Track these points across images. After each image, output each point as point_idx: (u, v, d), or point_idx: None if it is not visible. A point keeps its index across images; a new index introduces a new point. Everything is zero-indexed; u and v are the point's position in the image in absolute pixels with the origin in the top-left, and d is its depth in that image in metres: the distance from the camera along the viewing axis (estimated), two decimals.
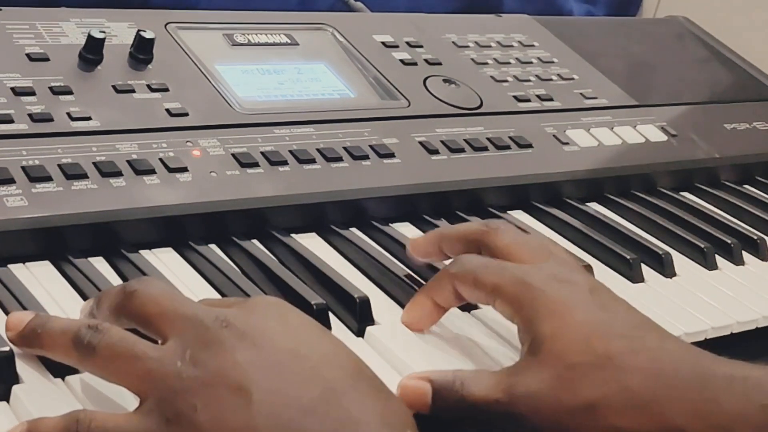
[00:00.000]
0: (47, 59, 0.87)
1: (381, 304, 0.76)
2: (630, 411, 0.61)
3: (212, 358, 0.54)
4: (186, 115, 0.86)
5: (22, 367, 0.60)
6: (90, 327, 0.56)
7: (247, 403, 0.52)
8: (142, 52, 0.90)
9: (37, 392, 0.59)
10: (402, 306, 0.75)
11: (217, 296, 0.74)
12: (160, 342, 0.57)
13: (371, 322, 0.73)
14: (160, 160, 0.81)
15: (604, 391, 0.61)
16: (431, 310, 0.71)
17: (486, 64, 1.09)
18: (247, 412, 0.52)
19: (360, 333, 0.72)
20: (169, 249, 0.78)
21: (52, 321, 0.59)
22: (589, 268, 0.82)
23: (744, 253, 0.94)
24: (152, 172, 0.79)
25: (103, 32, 0.88)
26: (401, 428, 0.55)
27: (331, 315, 0.72)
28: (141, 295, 0.58)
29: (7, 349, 0.60)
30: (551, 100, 1.06)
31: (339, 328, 0.72)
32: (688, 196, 1.04)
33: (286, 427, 0.52)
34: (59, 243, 0.74)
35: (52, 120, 0.81)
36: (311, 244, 0.82)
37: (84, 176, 0.77)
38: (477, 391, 0.63)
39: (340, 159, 0.88)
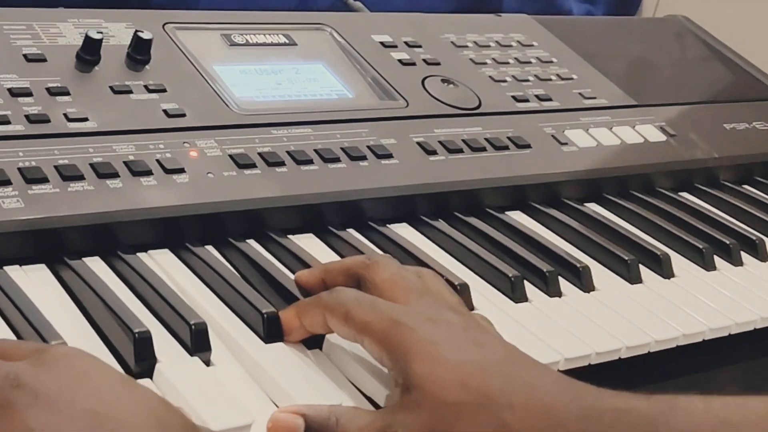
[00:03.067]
0: (44, 60, 0.86)
1: None
2: None
3: (6, 425, 0.49)
4: (183, 115, 0.86)
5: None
6: None
7: None
8: (139, 52, 0.90)
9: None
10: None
11: (215, 298, 0.74)
12: None
13: None
14: (157, 161, 0.81)
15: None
16: (297, 330, 0.69)
17: (485, 64, 1.09)
18: None
19: None
20: (166, 250, 0.78)
21: None
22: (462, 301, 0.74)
23: (743, 253, 0.94)
24: (149, 173, 0.79)
25: (101, 33, 0.88)
26: None
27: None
28: None
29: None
30: (550, 100, 1.06)
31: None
32: (687, 197, 1.04)
33: None
34: (55, 245, 0.74)
35: (48, 121, 0.81)
36: (308, 245, 0.82)
37: (81, 177, 0.77)
38: (352, 430, 0.61)
39: (337, 160, 0.88)
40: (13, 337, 0.65)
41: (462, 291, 0.77)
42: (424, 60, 1.05)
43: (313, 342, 0.70)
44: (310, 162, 0.86)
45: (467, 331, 0.65)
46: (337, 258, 0.81)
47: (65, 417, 0.50)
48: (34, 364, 0.53)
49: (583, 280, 0.84)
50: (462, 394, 0.60)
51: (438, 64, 1.05)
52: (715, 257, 0.92)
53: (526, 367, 0.63)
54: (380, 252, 0.83)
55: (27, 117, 0.81)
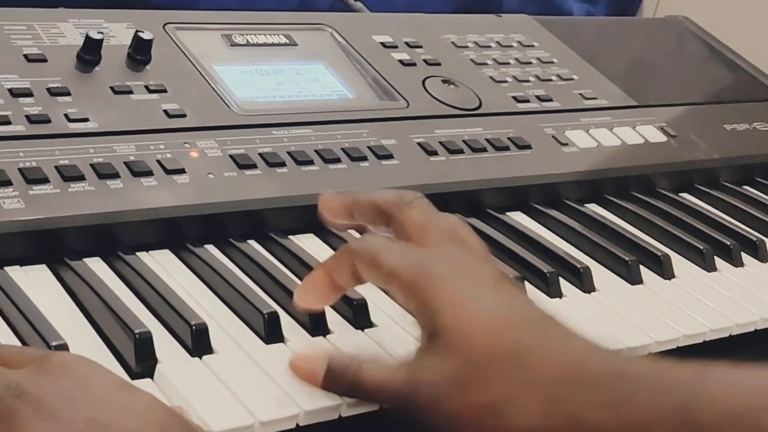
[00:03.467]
0: (45, 60, 0.86)
1: (379, 306, 0.75)
2: (539, 407, 0.56)
3: None
4: (184, 116, 0.86)
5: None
6: None
7: None
8: (140, 52, 0.90)
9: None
10: (401, 307, 0.75)
11: (215, 299, 0.74)
12: None
13: (369, 325, 0.73)
14: (158, 161, 0.81)
15: (511, 387, 0.57)
16: (328, 289, 0.66)
17: (485, 64, 1.09)
18: None
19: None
20: (167, 251, 0.78)
21: None
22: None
23: (743, 254, 0.94)
24: (150, 173, 0.79)
25: (101, 33, 0.88)
26: None
27: (328, 315, 0.72)
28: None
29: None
30: (550, 100, 1.06)
31: (338, 328, 0.72)
32: (688, 197, 1.04)
33: None
34: (56, 245, 0.74)
35: (49, 121, 0.81)
36: (309, 245, 0.82)
37: (81, 178, 0.77)
38: (375, 377, 0.60)
39: (338, 160, 0.88)
40: (13, 337, 0.65)
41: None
42: (425, 60, 1.05)
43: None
44: (311, 162, 0.86)
45: (499, 283, 0.62)
46: None
47: (67, 426, 0.50)
48: (35, 373, 0.53)
49: (583, 281, 0.84)
50: (490, 348, 0.58)
51: (438, 64, 1.05)
52: (716, 258, 0.92)
53: (558, 325, 0.61)
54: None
55: (27, 117, 0.81)
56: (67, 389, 0.52)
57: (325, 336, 0.70)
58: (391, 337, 0.71)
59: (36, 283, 0.71)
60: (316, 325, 0.71)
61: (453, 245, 0.65)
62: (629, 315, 0.79)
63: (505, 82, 1.07)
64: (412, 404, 0.59)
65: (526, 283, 0.81)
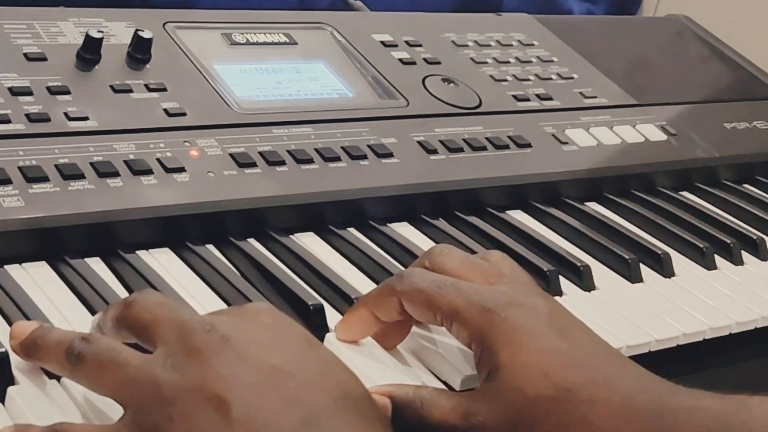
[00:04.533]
0: (45, 59, 0.86)
1: None
2: None
3: (193, 366, 0.52)
4: (184, 114, 0.86)
5: (17, 368, 0.60)
6: (83, 338, 0.55)
7: (225, 419, 0.50)
8: (140, 51, 0.90)
9: (32, 394, 0.59)
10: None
11: (215, 297, 0.74)
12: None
13: None
14: (158, 160, 0.81)
15: (562, 426, 0.59)
16: (370, 324, 0.68)
17: (485, 63, 1.09)
18: (223, 427, 0.50)
19: None
20: (167, 249, 0.78)
21: (51, 333, 0.58)
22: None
23: (743, 252, 0.94)
24: (150, 172, 0.79)
25: (101, 32, 0.88)
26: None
27: (328, 315, 0.72)
28: (137, 304, 0.57)
29: (2, 350, 0.60)
30: (550, 99, 1.06)
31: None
32: (688, 196, 1.04)
33: None
34: (56, 244, 0.74)
35: (49, 120, 0.81)
36: (309, 244, 0.82)
37: (81, 176, 0.77)
38: (436, 414, 0.62)
39: (338, 159, 0.88)
40: None
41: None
42: (425, 59, 1.05)
43: None
44: (311, 161, 0.86)
45: (552, 317, 0.64)
46: (338, 256, 0.81)
47: (250, 366, 0.52)
48: (228, 316, 0.56)
49: (583, 279, 0.84)
50: (543, 386, 0.60)
51: (438, 63, 1.05)
52: (716, 256, 0.92)
53: (608, 358, 0.63)
54: (382, 251, 0.83)
55: (27, 116, 0.81)
56: (254, 334, 0.54)
57: (325, 335, 0.70)
58: None
59: (36, 281, 0.71)
60: (316, 324, 0.71)
61: (501, 281, 0.66)
62: (629, 313, 0.79)
63: (505, 80, 1.07)
64: None
65: None
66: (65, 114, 0.82)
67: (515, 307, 0.63)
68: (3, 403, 0.59)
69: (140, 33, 0.90)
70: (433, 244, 0.86)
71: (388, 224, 0.87)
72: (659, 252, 0.89)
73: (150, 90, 0.87)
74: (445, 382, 0.66)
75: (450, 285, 0.65)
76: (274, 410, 0.51)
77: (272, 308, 0.58)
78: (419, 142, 0.93)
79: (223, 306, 0.72)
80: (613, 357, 0.64)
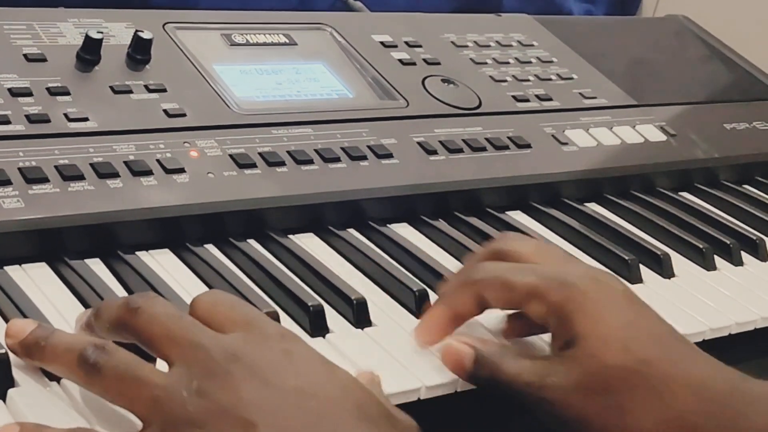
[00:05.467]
0: (44, 60, 0.86)
1: (378, 305, 0.75)
2: (661, 418, 0.62)
3: (220, 392, 0.53)
4: (184, 115, 0.86)
5: (18, 370, 0.60)
6: (97, 347, 0.55)
7: None
8: (139, 52, 0.90)
9: (32, 396, 0.59)
10: (401, 306, 0.76)
11: None
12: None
13: (368, 323, 0.73)
14: (158, 161, 0.81)
15: (637, 395, 0.63)
16: (449, 322, 0.70)
17: (485, 63, 1.09)
18: None
19: None
20: (166, 250, 0.78)
21: (56, 335, 0.58)
22: None
23: (743, 253, 0.94)
24: (149, 173, 0.79)
25: (101, 33, 0.88)
26: None
27: (328, 316, 0.72)
28: (145, 313, 0.57)
29: (3, 352, 0.60)
30: (550, 99, 1.06)
31: (337, 329, 0.72)
32: (687, 197, 1.04)
33: None
34: (56, 244, 0.74)
35: (49, 121, 0.81)
36: (309, 244, 0.82)
37: (81, 177, 0.77)
38: (513, 369, 0.65)
39: (338, 159, 0.88)
40: None
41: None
42: (425, 60, 1.05)
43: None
44: (311, 162, 0.86)
45: (628, 298, 0.68)
46: (338, 257, 0.82)
47: (275, 391, 0.53)
48: (245, 342, 0.56)
49: None
50: (622, 357, 0.63)
51: (438, 63, 1.05)
52: (716, 257, 0.92)
53: (683, 342, 0.67)
54: (382, 252, 0.83)
55: (27, 117, 0.81)
56: (274, 359, 0.55)
57: (324, 336, 0.70)
58: (391, 336, 0.71)
59: (36, 282, 0.71)
60: (316, 324, 0.71)
61: (574, 262, 0.72)
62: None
63: (505, 81, 1.07)
64: (539, 401, 0.64)
65: None
66: (65, 115, 0.82)
67: (593, 282, 0.67)
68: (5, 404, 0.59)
69: (140, 34, 0.90)
70: (433, 245, 0.86)
71: (387, 225, 0.87)
72: (659, 253, 0.89)
73: (150, 91, 0.87)
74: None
75: (526, 267, 0.69)
76: (298, 429, 0.52)
77: (288, 332, 0.59)
78: (419, 143, 0.93)
79: None
80: (683, 340, 0.67)
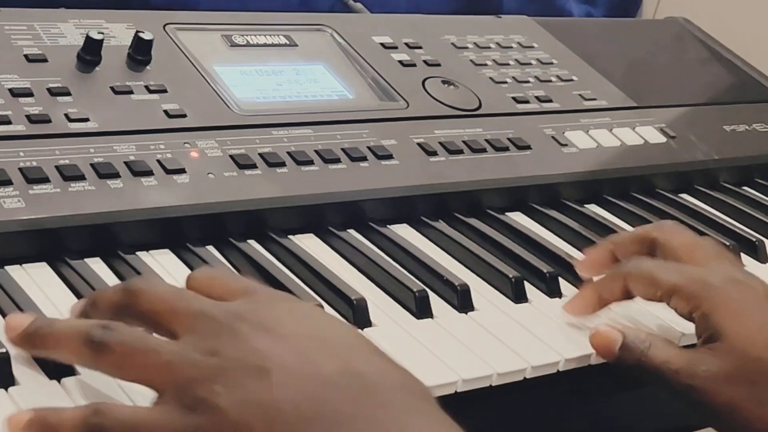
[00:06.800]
0: (45, 60, 0.87)
1: (378, 305, 0.75)
2: None
3: (229, 347, 0.54)
4: (184, 116, 0.86)
5: (18, 369, 0.60)
6: (101, 326, 0.56)
7: (268, 382, 0.52)
8: (140, 53, 0.90)
9: (32, 394, 0.59)
10: (401, 307, 0.76)
11: None
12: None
13: (368, 324, 0.73)
14: (158, 161, 0.81)
15: None
16: (595, 304, 0.76)
17: (485, 65, 1.09)
18: (268, 390, 0.52)
19: None
20: (167, 251, 0.78)
21: (57, 322, 0.59)
22: None
23: (743, 255, 0.94)
24: (150, 173, 0.79)
25: (102, 33, 0.88)
26: (420, 395, 0.55)
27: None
28: (146, 293, 0.58)
29: (3, 351, 0.60)
30: (550, 101, 1.06)
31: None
32: (687, 198, 1.04)
33: (310, 398, 0.52)
34: (56, 244, 0.74)
35: (49, 121, 0.81)
36: (309, 245, 0.82)
37: (81, 178, 0.77)
38: (661, 356, 0.70)
39: (338, 160, 0.88)
40: None
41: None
42: (425, 61, 1.05)
43: None
44: (311, 163, 0.86)
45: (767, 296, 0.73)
46: (338, 258, 0.82)
47: (284, 339, 0.55)
48: (248, 303, 0.58)
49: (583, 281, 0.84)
50: (765, 352, 0.69)
51: (438, 65, 1.05)
52: None
53: None
54: (382, 253, 0.83)
55: (28, 117, 0.81)
56: (279, 315, 0.57)
57: None
58: (391, 337, 0.72)
59: (36, 281, 0.71)
60: None
61: (721, 261, 0.76)
62: (628, 313, 0.79)
63: (505, 82, 1.07)
64: (688, 388, 0.70)
65: (526, 283, 0.81)
66: (66, 115, 0.82)
67: (734, 283, 0.72)
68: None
69: (141, 34, 0.90)
70: (433, 245, 0.86)
71: (387, 226, 0.87)
72: None
73: (150, 91, 0.87)
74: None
75: (672, 265, 0.75)
76: (313, 364, 0.53)
77: (286, 294, 0.61)
78: (419, 144, 0.93)
79: None
80: None
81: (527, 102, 1.05)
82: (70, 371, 0.61)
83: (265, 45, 0.99)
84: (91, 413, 0.53)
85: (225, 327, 0.55)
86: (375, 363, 0.55)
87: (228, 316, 0.56)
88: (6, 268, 0.71)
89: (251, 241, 0.81)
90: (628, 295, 0.75)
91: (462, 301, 0.77)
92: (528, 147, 0.98)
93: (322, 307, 0.72)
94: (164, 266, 0.76)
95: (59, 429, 0.53)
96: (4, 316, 0.66)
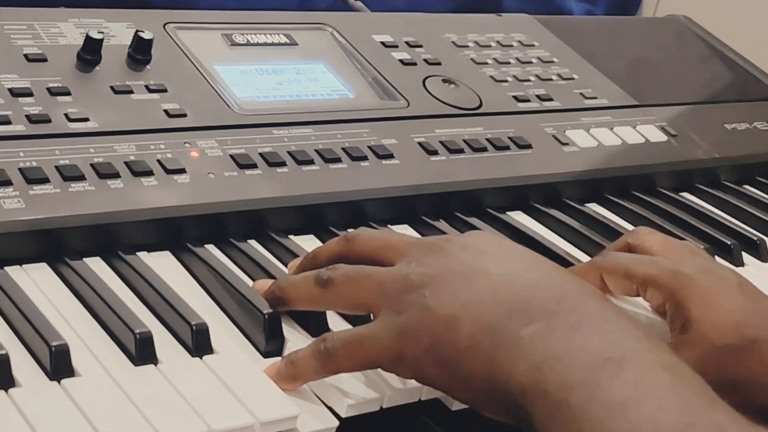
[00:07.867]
0: (45, 60, 0.86)
1: None
2: None
3: (437, 259, 0.63)
4: (184, 116, 0.86)
5: (17, 370, 0.60)
6: (327, 268, 0.65)
7: (474, 281, 0.60)
8: (140, 52, 0.90)
9: (32, 396, 0.59)
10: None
11: (216, 298, 0.74)
12: None
13: (368, 321, 0.73)
14: (158, 161, 0.81)
15: (749, 372, 0.68)
16: None
17: (486, 64, 1.09)
18: (474, 290, 0.60)
19: None
20: (167, 251, 0.77)
21: (292, 276, 0.70)
22: None
23: (744, 254, 0.94)
24: (150, 173, 0.79)
25: (102, 33, 0.88)
26: (602, 297, 0.62)
27: (329, 315, 0.72)
28: (363, 236, 0.69)
29: (3, 352, 0.60)
30: (551, 100, 1.06)
31: (337, 328, 0.72)
32: (688, 197, 1.04)
33: (513, 296, 0.59)
34: (56, 245, 0.74)
35: (49, 121, 0.81)
36: (309, 245, 0.81)
37: (81, 178, 0.77)
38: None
39: (338, 160, 0.87)
40: (14, 337, 0.65)
41: None
42: (425, 60, 1.05)
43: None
44: (311, 162, 0.86)
45: (741, 285, 0.73)
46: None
47: (489, 255, 0.64)
48: (453, 236, 0.69)
49: None
50: (732, 336, 0.69)
51: (439, 64, 1.05)
52: (717, 257, 0.91)
53: None
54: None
55: (28, 117, 0.81)
56: (484, 243, 0.66)
57: (324, 335, 0.70)
58: None
59: (36, 282, 0.71)
60: (315, 325, 0.71)
61: (695, 256, 0.76)
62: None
63: (506, 81, 1.07)
64: None
65: None
66: (66, 115, 0.82)
67: (706, 272, 0.73)
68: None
69: (141, 34, 0.90)
70: None
71: (388, 225, 0.87)
72: None
73: (150, 91, 0.87)
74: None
75: (646, 258, 0.75)
76: (516, 271, 0.62)
77: (488, 232, 0.71)
78: (420, 143, 0.93)
79: (224, 306, 0.72)
80: None
81: (528, 101, 1.05)
82: (70, 372, 0.61)
83: (265, 44, 0.99)
84: (319, 341, 0.63)
85: (434, 247, 0.64)
86: (567, 275, 0.63)
87: (436, 239, 0.66)
88: (6, 268, 0.71)
89: (252, 241, 0.81)
90: (603, 290, 0.76)
91: None
92: (529, 146, 0.98)
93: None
94: (164, 266, 0.75)
95: (297, 363, 0.63)
96: (4, 317, 0.66)
